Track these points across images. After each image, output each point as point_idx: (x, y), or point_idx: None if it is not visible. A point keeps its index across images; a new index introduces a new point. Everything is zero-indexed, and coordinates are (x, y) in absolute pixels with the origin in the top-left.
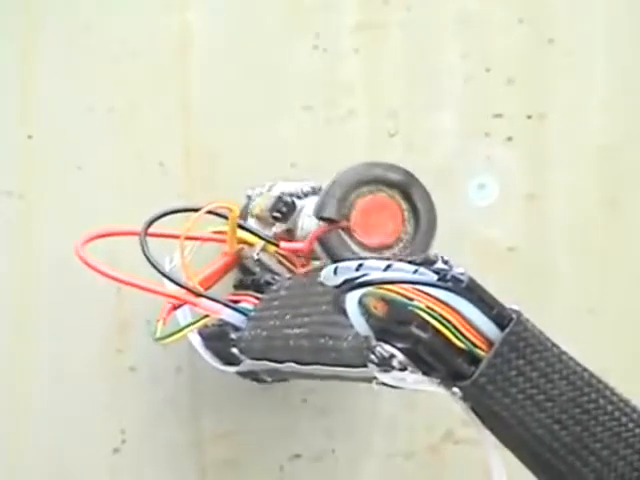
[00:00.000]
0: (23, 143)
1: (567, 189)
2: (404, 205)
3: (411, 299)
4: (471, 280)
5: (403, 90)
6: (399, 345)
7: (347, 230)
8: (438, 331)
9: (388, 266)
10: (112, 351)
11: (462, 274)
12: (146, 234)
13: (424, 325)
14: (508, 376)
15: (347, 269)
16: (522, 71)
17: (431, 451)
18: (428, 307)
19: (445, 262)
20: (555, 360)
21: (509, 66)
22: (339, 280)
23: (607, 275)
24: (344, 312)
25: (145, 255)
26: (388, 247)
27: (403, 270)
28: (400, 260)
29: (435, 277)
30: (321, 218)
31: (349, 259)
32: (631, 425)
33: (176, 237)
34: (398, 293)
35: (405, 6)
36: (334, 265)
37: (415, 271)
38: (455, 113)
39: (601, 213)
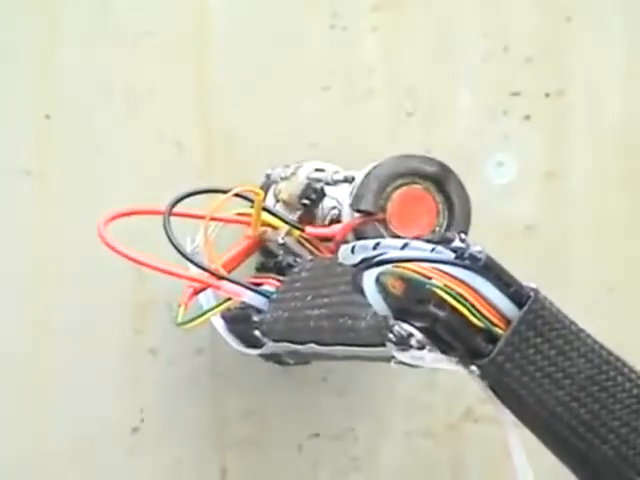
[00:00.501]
0: (41, 123)
1: (586, 167)
2: (439, 197)
3: (429, 277)
4: (489, 258)
5: (421, 69)
6: (417, 324)
7: (383, 222)
8: (456, 309)
9: (405, 244)
10: (132, 332)
11: (480, 252)
12: (170, 214)
13: (442, 304)
14: (526, 354)
15: (364, 248)
16: (540, 49)
17: (450, 429)
18: (446, 285)
19: (462, 240)
20: (573, 338)
21: (527, 44)
22: (357, 259)
23: (627, 254)
24: (362, 291)
25: (168, 236)
26: None
27: (420, 249)
28: (417, 239)
29: (452, 255)
30: (358, 210)
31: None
32: (621, 380)
33: (201, 217)
34: (415, 271)
35: None
36: (351, 244)
37: (432, 249)
38: (473, 92)
39: (621, 191)
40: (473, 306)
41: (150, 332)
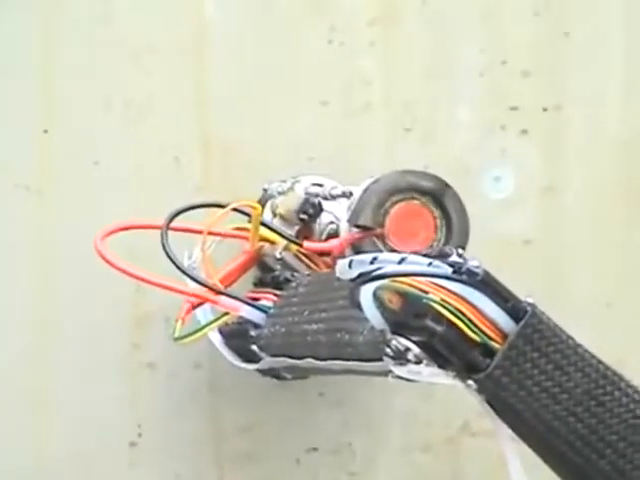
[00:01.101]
0: (39, 138)
1: (584, 182)
2: (436, 213)
3: (426, 292)
4: (486, 273)
5: (419, 84)
6: (414, 338)
7: (381, 237)
8: (453, 324)
9: (402, 259)
10: (130, 347)
11: (477, 267)
12: (168, 228)
13: (439, 318)
14: (523, 368)
15: (362, 262)
16: (538, 64)
17: (448, 444)
18: (443, 300)
19: (460, 255)
20: (570, 352)
21: (525, 59)
22: (354, 273)
23: (625, 268)
24: (359, 305)
25: (165, 251)
26: None
27: (417, 263)
28: (415, 253)
29: (450, 270)
30: (356, 225)
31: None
32: (616, 393)
33: (199, 232)
34: (412, 286)
35: (420, 2)
36: (349, 258)
37: (429, 264)
38: (471, 106)
39: (619, 205)
40: (470, 320)
41: (148, 347)
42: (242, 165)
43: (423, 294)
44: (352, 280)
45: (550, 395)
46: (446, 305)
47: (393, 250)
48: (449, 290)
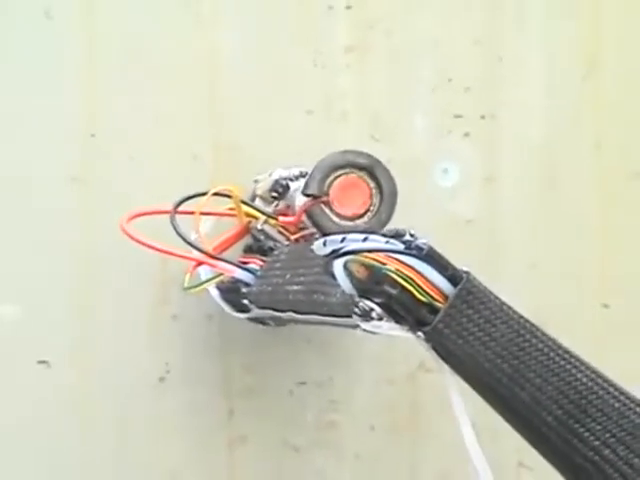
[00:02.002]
0: (87, 140)
1: (514, 173)
2: (371, 183)
3: (384, 264)
4: (430, 248)
5: (384, 98)
6: (376, 300)
7: (327, 204)
8: (405, 288)
9: (365, 238)
10: (158, 303)
11: (424, 244)
12: (175, 212)
13: (394, 284)
14: (460, 322)
15: (333, 241)
16: (477, 81)
17: (408, 378)
18: (397, 269)
19: (411, 235)
20: (497, 309)
21: (467, 77)
22: (328, 250)
23: (546, 240)
24: (332, 275)
25: (174, 228)
26: (359, 216)
27: (377, 241)
28: (375, 233)
29: (402, 246)
30: (306, 195)
31: (335, 233)
32: (557, 358)
33: (192, 213)
34: (374, 259)
35: (386, 31)
36: (323, 239)
37: (387, 242)
38: (425, 115)
39: (541, 192)
40: (419, 286)
41: (172, 302)
42: (246, 162)
43: (382, 265)
44: (326, 255)
45: (482, 342)
46: (400, 274)
47: (337, 214)
48: (402, 262)
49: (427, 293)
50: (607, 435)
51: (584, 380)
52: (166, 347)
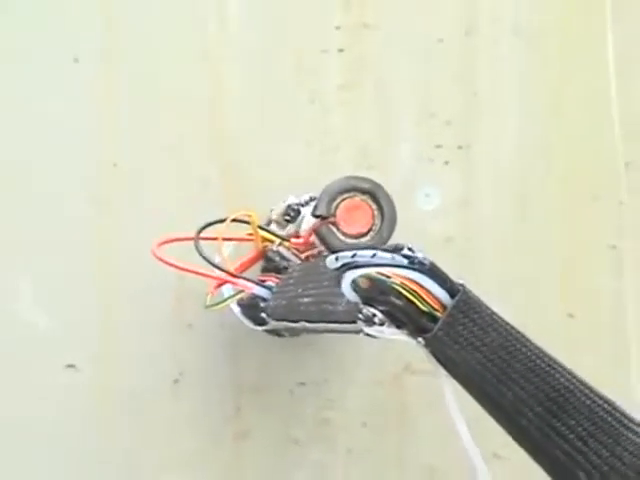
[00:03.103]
0: (110, 170)
1: (489, 198)
2: (373, 205)
3: (390, 277)
4: (432, 263)
5: (374, 131)
6: (381, 308)
7: (334, 224)
8: (409, 300)
9: (374, 255)
10: (174, 313)
11: (425, 259)
12: (198, 238)
13: (399, 296)
14: (457, 330)
15: (345, 257)
16: (456, 115)
17: (395, 379)
18: (402, 283)
19: (409, 249)
20: (489, 318)
21: (447, 112)
22: (339, 264)
23: (516, 257)
24: (340, 285)
25: (198, 252)
26: (363, 235)
27: (384, 258)
28: (382, 250)
29: (406, 261)
30: (315, 216)
31: (341, 250)
32: (538, 361)
33: (215, 239)
34: (382, 274)
35: (374, 72)
36: (335, 255)
37: (392, 257)
38: (410, 146)
39: (513, 215)
40: (422, 297)
41: (188, 313)
42: (253, 188)
43: (388, 279)
44: (337, 269)
45: (474, 347)
46: (405, 287)
47: (343, 233)
48: (406, 277)
49: (428, 304)
50: (579, 429)
51: (562, 380)
52: (181, 353)
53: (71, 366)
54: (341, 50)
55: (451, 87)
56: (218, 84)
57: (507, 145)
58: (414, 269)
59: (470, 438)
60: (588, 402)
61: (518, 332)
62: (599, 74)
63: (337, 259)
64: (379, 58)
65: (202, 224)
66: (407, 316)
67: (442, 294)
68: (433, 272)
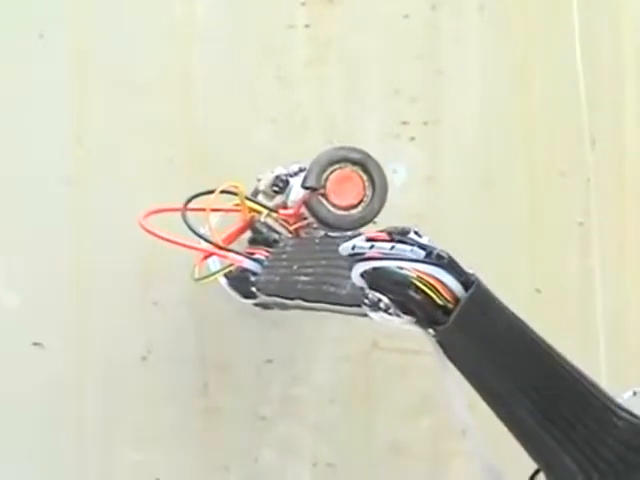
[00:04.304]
0: (75, 146)
1: (455, 173)
2: (364, 176)
3: (409, 270)
4: (450, 257)
5: (340, 106)
6: (394, 298)
7: (324, 195)
8: (426, 294)
9: (392, 247)
10: (142, 290)
11: (443, 252)
12: (185, 209)
13: (417, 290)
14: (467, 322)
15: (362, 247)
16: (421, 91)
17: (363, 355)
18: (419, 277)
19: (416, 232)
20: (497, 308)
21: (412, 89)
22: (355, 253)
23: (482, 231)
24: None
25: (186, 223)
26: (353, 206)
27: (403, 250)
28: (401, 242)
29: (424, 254)
30: (305, 187)
31: (333, 227)
32: (538, 350)
33: (203, 210)
34: (402, 268)
35: (340, 48)
36: (353, 243)
37: (411, 250)
38: (376, 122)
39: (478, 189)
40: (438, 291)
41: (155, 291)
42: (219, 162)
43: (409, 273)
44: (350, 255)
45: (482, 339)
46: (423, 281)
47: (334, 204)
48: (425, 272)
49: (444, 297)
50: (569, 415)
51: (558, 368)
52: (148, 330)
53: (37, 344)
54: (307, 26)
55: (416, 63)
56: (185, 63)
57: (472, 121)
58: (433, 264)
59: (470, 417)
60: (580, 388)
61: (521, 322)
62: (565, 50)
63: (354, 247)
64: (345, 34)
65: (190, 195)
66: (422, 309)
67: (457, 287)
68: (451, 266)
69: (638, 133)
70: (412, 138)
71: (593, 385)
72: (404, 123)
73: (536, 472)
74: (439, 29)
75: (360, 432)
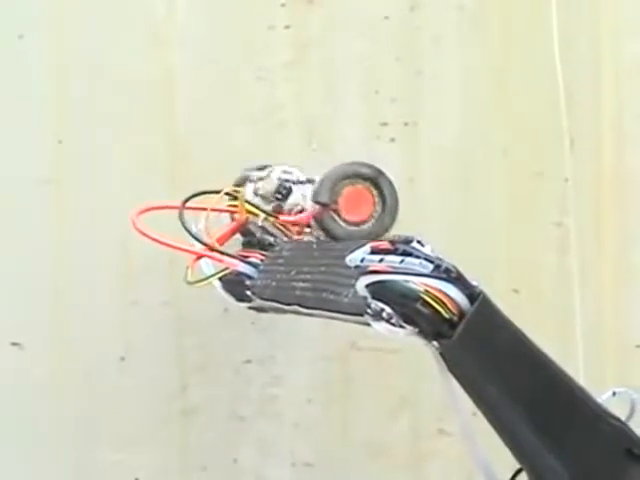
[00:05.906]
0: (55, 147)
1: (433, 175)
2: (375, 192)
3: (416, 284)
4: (457, 271)
5: (319, 107)
6: (400, 310)
7: (335, 211)
8: (434, 308)
9: (402, 260)
10: (121, 292)
11: (451, 265)
12: (183, 208)
13: (426, 305)
14: (471, 336)
15: (371, 260)
16: (400, 93)
17: (341, 355)
18: (427, 291)
19: (418, 241)
20: (500, 321)
21: (392, 90)
22: (363, 265)
23: (460, 231)
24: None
25: (182, 223)
26: (364, 222)
27: (412, 264)
28: (410, 255)
29: (431, 267)
30: (317, 202)
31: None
32: (536, 361)
33: (203, 209)
34: (409, 282)
35: (320, 48)
36: (361, 255)
37: (420, 263)
38: (356, 123)
39: (456, 190)
40: (445, 305)
41: (133, 291)
42: (199, 162)
43: (417, 287)
44: (356, 267)
45: (484, 351)
46: (431, 295)
47: (344, 220)
48: (432, 286)
49: (451, 311)
50: (559, 423)
51: (553, 378)
52: (127, 330)
53: (16, 344)
54: (287, 27)
55: (396, 64)
56: (166, 63)
57: (452, 122)
58: (442, 278)
59: (469, 422)
60: (574, 398)
61: (522, 333)
62: (544, 51)
63: (363, 260)
64: (325, 35)
65: (188, 195)
66: (429, 322)
67: (463, 301)
68: (458, 279)
69: (616, 134)
70: (392, 139)
71: (585, 394)
72: (383, 124)
73: (518, 472)
74: (418, 30)
75: (338, 432)
